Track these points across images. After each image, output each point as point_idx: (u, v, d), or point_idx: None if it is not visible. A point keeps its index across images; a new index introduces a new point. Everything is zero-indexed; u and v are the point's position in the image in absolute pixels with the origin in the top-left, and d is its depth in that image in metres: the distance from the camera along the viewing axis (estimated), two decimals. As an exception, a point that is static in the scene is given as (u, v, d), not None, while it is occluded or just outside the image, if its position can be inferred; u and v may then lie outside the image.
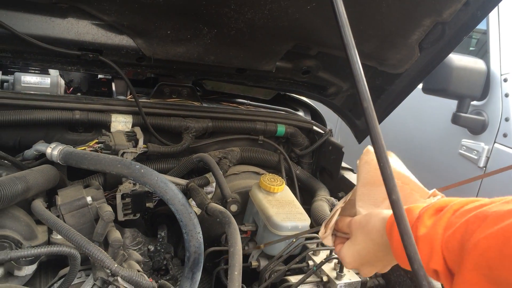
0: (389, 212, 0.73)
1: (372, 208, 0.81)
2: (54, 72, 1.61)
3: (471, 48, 3.13)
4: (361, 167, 0.81)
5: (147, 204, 1.40)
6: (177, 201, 1.08)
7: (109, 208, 1.09)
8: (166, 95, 1.63)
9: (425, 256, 0.63)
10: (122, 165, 1.09)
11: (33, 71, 1.66)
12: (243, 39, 1.39)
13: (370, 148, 0.80)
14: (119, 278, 0.87)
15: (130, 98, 1.59)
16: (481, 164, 2.77)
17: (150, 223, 1.63)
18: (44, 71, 1.64)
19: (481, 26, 2.95)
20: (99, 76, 1.70)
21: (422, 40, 1.33)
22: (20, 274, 0.96)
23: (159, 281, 1.07)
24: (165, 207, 1.55)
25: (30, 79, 1.52)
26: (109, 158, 1.11)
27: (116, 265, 0.86)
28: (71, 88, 1.62)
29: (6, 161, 1.26)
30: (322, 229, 0.85)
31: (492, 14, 2.85)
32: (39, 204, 1.01)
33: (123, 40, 1.34)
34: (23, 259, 0.92)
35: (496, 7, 2.78)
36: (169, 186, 1.09)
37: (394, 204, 0.52)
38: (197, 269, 1.13)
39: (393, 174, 0.53)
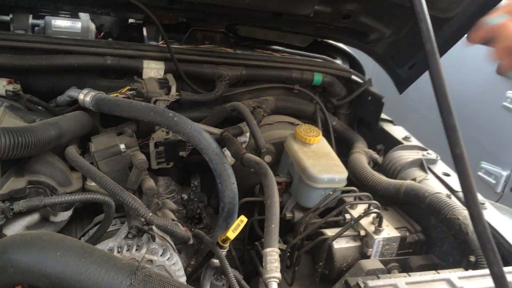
0: None
1: None
2: (84, 16, 1.57)
3: None
4: None
5: (181, 153, 1.38)
6: (211, 150, 1.05)
7: (143, 156, 1.08)
8: (199, 41, 1.57)
9: None
10: (155, 112, 1.06)
11: (64, 15, 1.62)
12: (281, -21, 1.30)
13: None
14: (153, 227, 0.86)
15: (161, 44, 1.54)
16: None
17: (183, 172, 1.62)
18: (74, 15, 1.59)
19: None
20: (130, 20, 1.65)
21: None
22: (55, 220, 0.97)
23: (193, 230, 1.07)
24: (198, 156, 1.52)
25: (61, 23, 1.49)
26: (142, 106, 1.08)
27: (151, 214, 0.85)
28: (102, 33, 1.58)
29: (39, 107, 1.26)
30: None
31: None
32: (72, 151, 1.00)
33: (154, -19, 1.28)
34: (58, 205, 0.92)
35: None
36: (203, 135, 1.05)
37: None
38: (231, 219, 1.11)
39: None
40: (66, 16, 1.60)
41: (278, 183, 1.38)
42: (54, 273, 0.66)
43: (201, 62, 1.48)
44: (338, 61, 1.76)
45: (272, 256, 0.80)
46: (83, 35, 1.50)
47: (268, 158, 1.43)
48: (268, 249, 0.81)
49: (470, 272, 0.91)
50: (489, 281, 0.86)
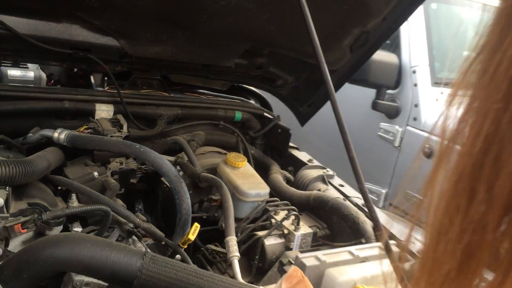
0: None
1: None
2: (32, 66, 1.78)
3: (387, 42, 3.57)
4: None
5: (131, 180, 1.65)
6: (171, 173, 1.35)
7: (114, 181, 1.34)
8: (139, 86, 1.87)
9: None
10: (124, 145, 1.34)
11: (7, 65, 1.81)
12: (210, 41, 1.67)
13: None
14: (140, 230, 1.14)
15: (107, 89, 1.81)
16: (396, 144, 3.17)
17: (126, 198, 1.86)
18: (21, 65, 1.79)
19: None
20: (75, 69, 1.89)
21: (352, 44, 1.70)
22: (51, 234, 1.18)
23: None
24: (141, 184, 1.79)
25: (16, 73, 1.69)
26: (113, 140, 1.35)
27: (138, 220, 1.13)
28: (52, 81, 1.79)
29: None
30: None
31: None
32: (63, 177, 1.24)
33: (109, 40, 1.56)
34: (55, 220, 1.15)
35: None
36: (164, 161, 1.36)
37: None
38: (186, 227, 1.41)
39: None
40: (9, 65, 1.80)
41: (215, 200, 1.70)
42: (87, 259, 0.92)
43: (144, 104, 1.78)
44: (252, 101, 2.16)
45: (232, 242, 1.13)
46: (36, 82, 1.71)
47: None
48: (228, 237, 1.14)
49: (362, 246, 1.32)
50: (375, 251, 1.28)
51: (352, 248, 1.27)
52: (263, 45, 1.77)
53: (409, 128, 3.14)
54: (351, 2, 1.47)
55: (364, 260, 1.25)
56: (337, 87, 1.87)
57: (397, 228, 1.51)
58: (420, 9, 3.29)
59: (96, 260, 0.92)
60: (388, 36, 1.65)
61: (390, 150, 3.23)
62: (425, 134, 2.98)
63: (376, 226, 0.94)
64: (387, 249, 1.21)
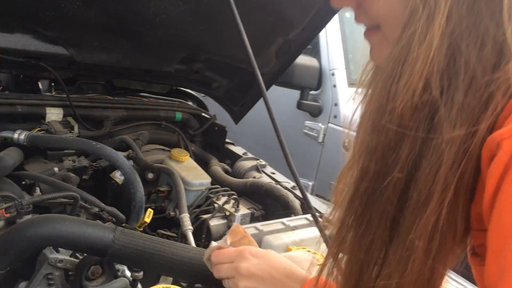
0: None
1: None
2: (-22, 74, 1.86)
3: (308, 47, 3.88)
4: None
5: (84, 177, 1.79)
6: (126, 165, 1.54)
7: (73, 175, 1.50)
8: (85, 91, 2.01)
9: None
10: (82, 142, 1.50)
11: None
12: (152, 48, 1.87)
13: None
14: (104, 213, 1.32)
15: (54, 94, 1.94)
16: (320, 140, 3.45)
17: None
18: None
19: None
20: (21, 76, 1.98)
21: (277, 51, 1.98)
22: (21, 222, 1.32)
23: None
24: (90, 181, 1.94)
25: (-35, 80, 1.77)
26: (71, 138, 1.51)
27: (102, 204, 1.31)
28: (1, 88, 1.88)
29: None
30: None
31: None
32: (30, 172, 1.38)
33: (58, 49, 1.71)
34: (25, 209, 1.30)
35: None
36: (119, 155, 1.54)
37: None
38: (141, 213, 1.59)
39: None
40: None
41: (162, 192, 1.89)
42: (67, 234, 1.09)
43: (91, 107, 1.93)
44: (190, 103, 2.38)
45: (186, 218, 1.35)
46: (-16, 89, 1.80)
47: (150, 175, 1.94)
48: (182, 214, 1.35)
49: (292, 218, 1.59)
50: (303, 221, 1.55)
51: (284, 220, 1.53)
52: (199, 52, 1.99)
53: (330, 125, 3.44)
54: (275, 16, 1.74)
55: (294, 228, 1.52)
56: (267, 88, 2.14)
57: (319, 205, 1.82)
58: (335, 18, 3.66)
59: (75, 235, 1.10)
60: (307, 43, 1.95)
61: (315, 146, 3.52)
62: (345, 130, 3.35)
63: (305, 200, 1.20)
64: (315, 219, 1.49)
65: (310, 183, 3.64)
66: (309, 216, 1.59)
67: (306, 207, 1.57)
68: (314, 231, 1.48)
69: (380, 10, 0.59)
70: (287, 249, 1.40)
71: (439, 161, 0.50)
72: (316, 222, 1.49)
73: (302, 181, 3.83)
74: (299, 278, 0.87)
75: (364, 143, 0.58)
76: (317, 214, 1.63)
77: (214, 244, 1.00)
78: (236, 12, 1.12)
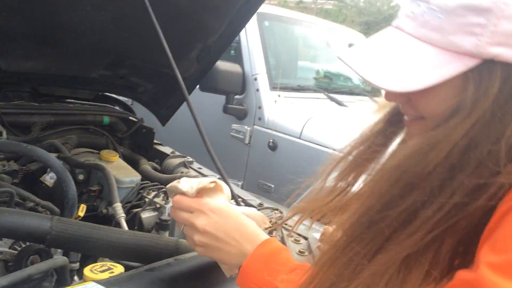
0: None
1: None
2: None
3: (232, 54, 4.01)
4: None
5: (14, 180, 1.84)
6: (58, 165, 1.62)
7: (6, 175, 1.56)
8: (10, 98, 2.05)
9: None
10: (13, 145, 1.58)
11: None
12: (77, 55, 1.96)
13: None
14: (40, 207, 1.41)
15: (-22, 102, 1.97)
16: (246, 141, 3.65)
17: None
18: None
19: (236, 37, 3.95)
20: None
21: (197, 56, 2.15)
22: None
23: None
24: (21, 185, 1.98)
25: None
26: (1, 141, 1.57)
27: (37, 198, 1.40)
28: None
29: None
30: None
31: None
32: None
33: (-16, 58, 1.76)
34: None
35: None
36: (50, 156, 1.62)
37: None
38: (74, 209, 1.68)
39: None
40: None
41: (93, 191, 1.98)
42: (7, 224, 1.18)
43: (18, 114, 1.98)
44: (117, 107, 2.47)
45: (118, 207, 1.47)
46: None
47: (81, 176, 2.02)
48: (114, 204, 1.47)
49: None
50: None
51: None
52: (124, 58, 2.11)
53: (255, 127, 3.64)
54: (194, 23, 1.91)
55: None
56: (190, 90, 2.30)
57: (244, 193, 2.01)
58: (255, 26, 3.89)
59: (15, 224, 1.19)
60: (225, 48, 2.14)
61: (242, 147, 3.70)
62: (269, 131, 3.58)
63: (233, 197, 1.38)
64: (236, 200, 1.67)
65: (240, 183, 3.80)
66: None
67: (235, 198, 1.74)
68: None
69: (429, 108, 0.72)
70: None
71: (436, 217, 0.63)
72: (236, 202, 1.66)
73: (232, 181, 4.04)
74: (252, 239, 0.92)
75: (378, 186, 0.70)
76: (240, 199, 1.82)
77: (181, 183, 0.97)
78: (155, 20, 1.28)
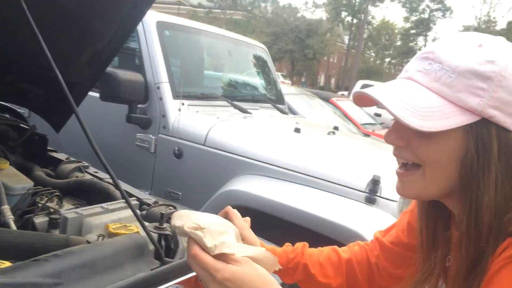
0: None
1: None
2: None
3: (137, 63, 3.97)
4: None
5: None
6: None
7: None
8: None
9: None
10: None
11: None
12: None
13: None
14: None
15: None
16: (152, 150, 3.65)
17: None
18: None
19: (137, 47, 3.96)
20: None
21: (88, 61, 2.17)
22: None
23: None
24: None
25: None
26: None
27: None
28: None
29: None
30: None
31: (142, 39, 3.88)
32: None
33: None
34: None
35: (143, 34, 3.85)
36: None
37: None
38: None
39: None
40: None
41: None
42: None
43: None
44: (7, 115, 2.40)
45: (6, 209, 1.46)
46: None
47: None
48: (2, 207, 1.46)
49: (111, 202, 1.79)
50: (120, 205, 1.76)
51: (103, 204, 1.73)
52: (10, 63, 2.08)
53: (160, 135, 3.65)
54: (81, 28, 1.94)
55: (112, 210, 1.73)
56: (83, 95, 2.30)
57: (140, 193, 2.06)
58: (155, 35, 3.93)
59: None
60: (116, 53, 2.18)
61: (148, 156, 3.69)
62: (174, 139, 3.62)
63: (117, 186, 1.42)
64: (128, 204, 1.70)
65: (147, 193, 3.78)
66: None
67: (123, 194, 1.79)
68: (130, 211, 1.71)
69: (429, 154, 0.82)
70: (106, 226, 1.60)
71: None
72: (128, 205, 1.71)
73: (140, 191, 3.99)
74: None
75: None
76: (133, 198, 1.88)
77: (207, 238, 0.84)
78: (32, 22, 1.30)
